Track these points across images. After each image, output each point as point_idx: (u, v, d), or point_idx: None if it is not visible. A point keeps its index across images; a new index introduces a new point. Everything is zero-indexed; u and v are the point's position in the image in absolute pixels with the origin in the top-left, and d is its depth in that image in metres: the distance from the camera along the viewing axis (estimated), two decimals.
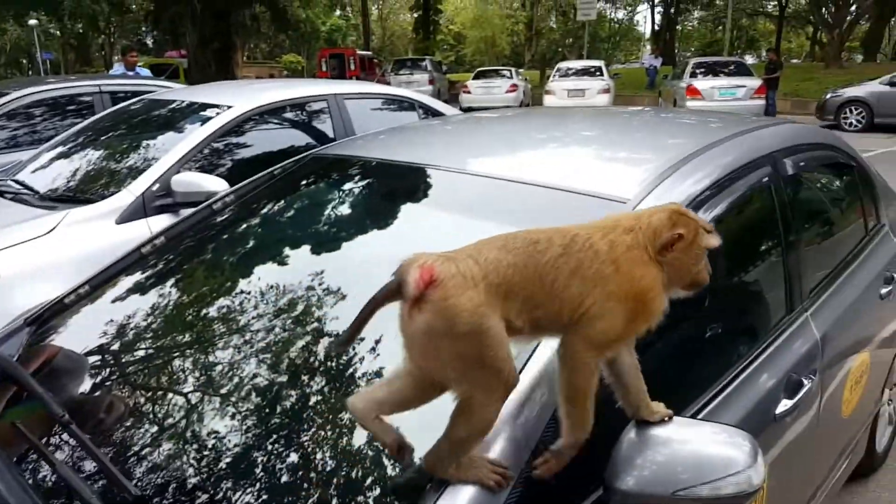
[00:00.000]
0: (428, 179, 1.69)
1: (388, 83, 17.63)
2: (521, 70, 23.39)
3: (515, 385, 0.93)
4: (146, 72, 8.96)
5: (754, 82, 13.55)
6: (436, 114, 4.10)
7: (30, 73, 27.73)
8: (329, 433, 1.11)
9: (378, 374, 1.17)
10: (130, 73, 7.96)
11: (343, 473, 1.04)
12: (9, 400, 1.32)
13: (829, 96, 13.63)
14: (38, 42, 25.24)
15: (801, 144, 1.98)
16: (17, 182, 3.28)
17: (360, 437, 1.07)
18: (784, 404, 1.49)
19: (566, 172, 1.57)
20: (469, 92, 17.71)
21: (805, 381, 1.56)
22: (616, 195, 1.36)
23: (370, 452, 1.05)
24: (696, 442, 1.03)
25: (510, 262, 0.93)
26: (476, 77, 18.86)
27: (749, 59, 32.65)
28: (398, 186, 1.78)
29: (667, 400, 1.28)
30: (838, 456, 1.98)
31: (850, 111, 13.04)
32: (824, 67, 21.12)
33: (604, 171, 1.64)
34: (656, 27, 36.78)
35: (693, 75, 14.07)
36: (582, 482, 1.07)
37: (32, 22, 22.67)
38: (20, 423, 1.22)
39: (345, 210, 1.77)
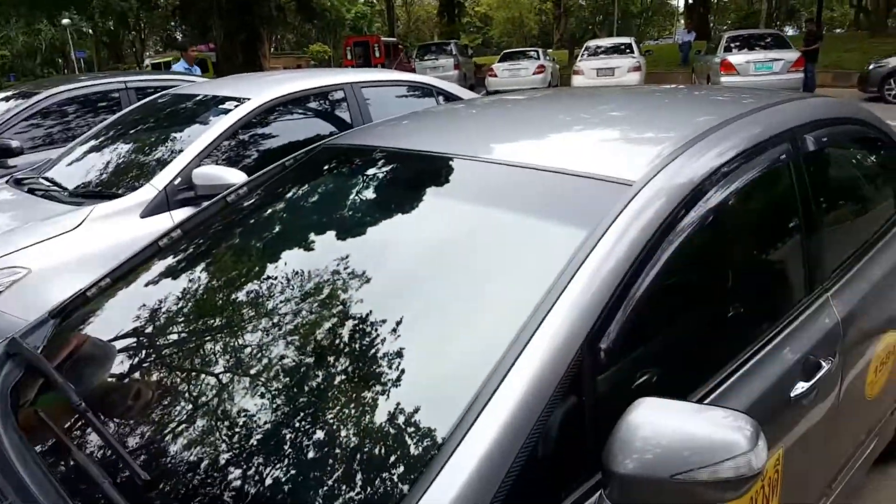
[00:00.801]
0: (430, 166, 1.69)
1: (413, 69, 17.51)
2: (549, 50, 22.98)
3: None
4: (197, 69, 9.10)
5: (792, 55, 12.89)
6: (456, 99, 4.06)
7: (65, 71, 28.51)
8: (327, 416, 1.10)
9: (399, 354, 1.16)
10: (194, 69, 7.98)
11: (338, 458, 1.03)
12: (39, 389, 1.37)
13: (872, 67, 12.85)
14: (71, 41, 25.89)
15: (824, 119, 1.91)
16: (46, 179, 3.38)
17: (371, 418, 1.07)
18: (800, 387, 1.45)
19: (575, 155, 1.54)
20: (495, 75, 17.38)
21: (823, 363, 1.51)
22: (621, 177, 1.33)
23: (375, 435, 1.05)
24: (697, 425, 1.01)
25: None
26: (502, 59, 18.51)
27: (789, 31, 31.38)
28: (405, 174, 1.78)
29: (678, 381, 1.27)
30: (864, 438, 1.93)
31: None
32: (869, 36, 20.07)
33: (614, 151, 1.60)
34: (689, 0, 35.66)
35: (727, 49, 13.46)
36: (577, 468, 1.06)
37: (65, 21, 23.24)
38: (42, 412, 1.27)
39: (352, 199, 1.78)
